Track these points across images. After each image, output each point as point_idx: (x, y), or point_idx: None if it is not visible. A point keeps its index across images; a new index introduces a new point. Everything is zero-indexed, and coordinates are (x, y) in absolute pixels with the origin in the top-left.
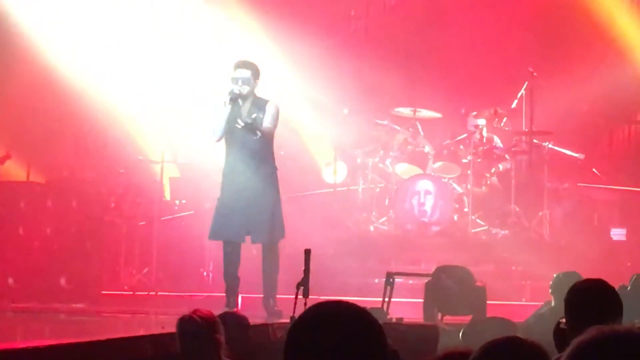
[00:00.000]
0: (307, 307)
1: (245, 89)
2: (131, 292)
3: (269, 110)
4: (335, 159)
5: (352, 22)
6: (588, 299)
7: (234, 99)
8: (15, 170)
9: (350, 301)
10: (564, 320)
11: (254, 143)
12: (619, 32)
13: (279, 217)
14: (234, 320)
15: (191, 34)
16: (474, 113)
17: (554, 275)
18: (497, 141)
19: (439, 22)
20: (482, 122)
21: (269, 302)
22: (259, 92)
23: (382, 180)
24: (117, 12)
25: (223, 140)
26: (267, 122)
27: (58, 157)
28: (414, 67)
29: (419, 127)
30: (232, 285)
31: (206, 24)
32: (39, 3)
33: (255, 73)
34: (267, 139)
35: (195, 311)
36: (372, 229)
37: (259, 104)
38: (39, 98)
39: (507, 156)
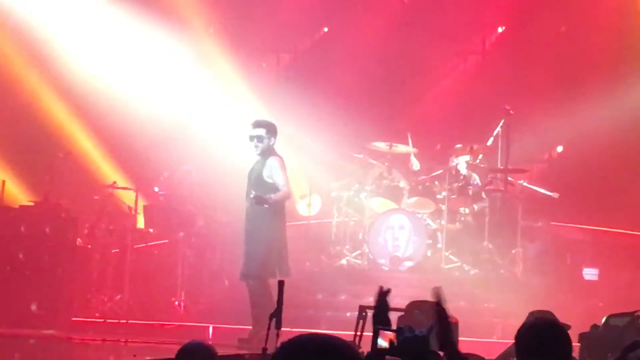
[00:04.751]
0: (279, 339)
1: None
2: (102, 320)
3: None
4: (310, 191)
5: (332, 58)
6: (537, 339)
7: None
8: None
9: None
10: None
11: None
12: (597, 72)
13: None
14: (201, 351)
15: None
16: (459, 146)
17: (529, 314)
18: (476, 178)
19: (419, 59)
20: (464, 159)
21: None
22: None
23: (356, 214)
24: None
25: None
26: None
27: (32, 182)
28: (392, 102)
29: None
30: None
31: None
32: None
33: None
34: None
35: None
36: (345, 262)
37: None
38: (14, 123)
39: (483, 194)
